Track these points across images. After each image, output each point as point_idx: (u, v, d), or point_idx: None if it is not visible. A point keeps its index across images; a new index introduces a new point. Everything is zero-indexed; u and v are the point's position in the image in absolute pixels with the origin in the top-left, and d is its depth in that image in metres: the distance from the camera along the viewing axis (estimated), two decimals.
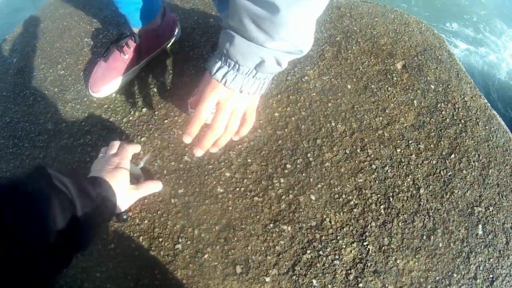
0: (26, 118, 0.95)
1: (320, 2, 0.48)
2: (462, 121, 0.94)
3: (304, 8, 0.47)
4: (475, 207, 0.81)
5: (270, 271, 0.71)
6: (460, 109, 0.96)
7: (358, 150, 0.86)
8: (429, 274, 0.73)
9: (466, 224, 0.79)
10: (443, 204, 0.81)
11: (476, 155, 0.89)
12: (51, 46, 1.12)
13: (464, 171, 0.86)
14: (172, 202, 0.77)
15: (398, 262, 0.73)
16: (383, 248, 0.75)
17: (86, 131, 0.90)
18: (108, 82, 0.93)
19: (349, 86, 0.98)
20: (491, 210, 0.81)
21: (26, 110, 0.97)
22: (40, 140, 0.91)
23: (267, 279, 0.70)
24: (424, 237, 0.76)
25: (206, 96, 0.56)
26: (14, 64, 1.12)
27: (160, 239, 0.73)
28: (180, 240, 0.73)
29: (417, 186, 0.82)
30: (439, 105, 0.96)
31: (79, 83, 1.01)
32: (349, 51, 1.07)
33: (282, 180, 0.80)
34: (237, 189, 0.79)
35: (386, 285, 0.71)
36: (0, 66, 1.13)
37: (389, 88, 0.99)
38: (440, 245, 0.76)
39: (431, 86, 1.00)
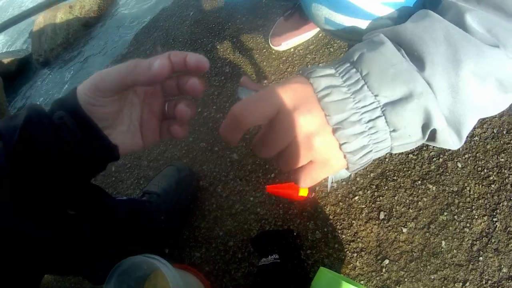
0: None
1: None
2: None
3: None
4: None
5: (409, 223, 0.77)
6: None
7: (504, 132, 0.88)
8: None
9: None
10: None
11: None
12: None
13: None
14: None
15: None
16: (509, 229, 0.80)
17: (263, 77, 0.94)
18: (288, 38, 0.99)
19: None
20: None
21: (204, 54, 0.99)
22: (216, 80, 0.99)
23: (404, 230, 0.76)
24: None
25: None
26: (190, 16, 1.20)
27: None
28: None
29: None
30: None
31: (258, 36, 1.07)
32: None
33: None
34: None
35: (502, 266, 0.77)
36: (177, 18, 1.23)
37: None
38: None
39: None
